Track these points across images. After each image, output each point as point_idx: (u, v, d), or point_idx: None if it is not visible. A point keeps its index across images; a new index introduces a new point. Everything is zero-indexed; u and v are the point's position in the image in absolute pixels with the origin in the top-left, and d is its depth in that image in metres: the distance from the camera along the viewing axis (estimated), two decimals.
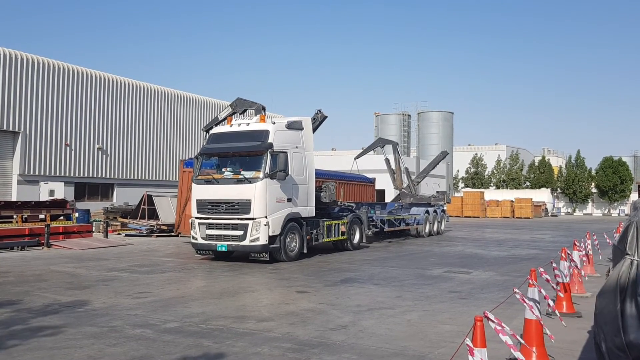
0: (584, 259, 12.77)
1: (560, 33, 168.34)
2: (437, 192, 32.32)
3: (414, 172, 32.54)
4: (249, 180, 14.05)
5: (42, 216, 19.82)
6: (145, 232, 23.68)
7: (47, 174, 30.13)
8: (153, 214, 24.14)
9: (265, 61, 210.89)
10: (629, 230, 4.38)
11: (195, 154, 16.90)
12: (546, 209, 65.46)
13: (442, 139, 66.98)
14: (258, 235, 13.83)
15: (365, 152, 26.43)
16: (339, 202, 18.23)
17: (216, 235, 14.41)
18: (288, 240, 14.73)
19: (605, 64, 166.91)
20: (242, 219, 14.01)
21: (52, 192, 28.50)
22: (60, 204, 21.48)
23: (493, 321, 4.38)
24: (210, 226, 14.51)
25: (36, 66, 29.79)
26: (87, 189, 32.72)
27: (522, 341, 5.15)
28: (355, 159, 25.48)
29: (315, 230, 16.09)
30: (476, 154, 78.13)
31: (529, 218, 55.78)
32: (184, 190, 19.57)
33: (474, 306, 8.87)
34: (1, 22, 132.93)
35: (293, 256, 14.91)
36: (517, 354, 4.23)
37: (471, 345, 3.91)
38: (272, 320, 7.84)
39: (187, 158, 26.15)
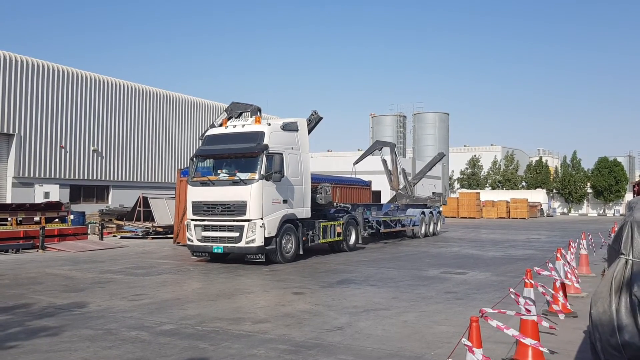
0: (582, 252, 12.82)
1: (555, 34, 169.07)
2: (433, 193, 32.32)
3: (410, 174, 32.52)
4: (244, 182, 14.04)
5: (37, 218, 19.75)
6: (140, 234, 23.63)
7: (42, 176, 30.01)
8: (149, 216, 24.08)
9: (260, 63, 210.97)
10: (624, 230, 4.40)
11: (191, 155, 16.87)
12: (542, 209, 65.66)
13: (438, 140, 67.06)
14: (254, 236, 13.82)
15: (363, 156, 26.34)
16: (335, 204, 18.22)
17: (212, 237, 14.39)
18: (284, 241, 14.72)
19: (600, 65, 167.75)
20: (237, 220, 13.99)
21: (47, 195, 28.40)
22: (55, 206, 21.42)
23: (490, 314, 4.38)
24: (206, 228, 14.48)
25: (31, 68, 29.68)
26: (82, 191, 32.60)
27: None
28: (354, 164, 25.42)
29: (311, 232, 16.09)
30: (474, 155, 78.34)
31: (524, 219, 55.92)
32: (182, 199, 19.48)
33: (470, 307, 8.88)
34: None
35: (289, 257, 14.90)
36: (528, 340, 4.22)
37: (469, 344, 3.91)
38: (268, 321, 7.83)
39: (184, 167, 26.02)
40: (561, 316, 6.89)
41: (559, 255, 9.13)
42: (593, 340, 4.37)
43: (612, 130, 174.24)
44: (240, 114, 18.13)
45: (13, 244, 17.50)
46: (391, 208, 23.76)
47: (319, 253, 17.28)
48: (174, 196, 23.09)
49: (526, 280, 6.39)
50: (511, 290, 6.02)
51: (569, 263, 9.88)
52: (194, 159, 15.54)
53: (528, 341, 4.21)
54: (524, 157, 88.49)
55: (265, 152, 14.15)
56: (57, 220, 20.57)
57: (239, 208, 13.99)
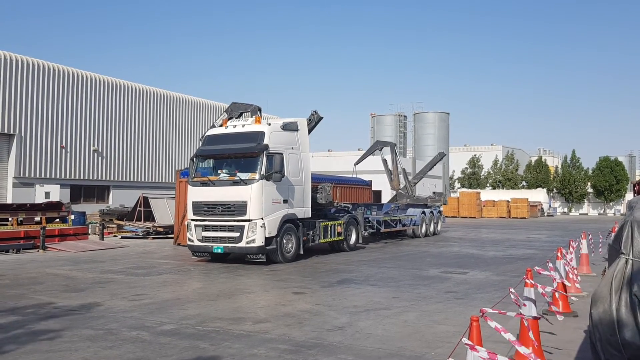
0: (582, 251, 12.82)
1: (555, 34, 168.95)
2: (434, 192, 32.32)
3: (410, 173, 32.53)
4: (244, 182, 14.04)
5: (37, 219, 19.77)
6: (141, 234, 23.63)
7: (43, 176, 30.03)
8: (149, 216, 24.08)
9: (260, 62, 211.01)
10: (624, 230, 4.40)
11: (191, 156, 16.88)
12: (542, 209, 65.66)
13: (438, 140, 67.05)
14: (254, 236, 13.82)
15: (364, 157, 26.31)
16: (335, 203, 18.22)
17: (212, 237, 14.39)
18: (284, 241, 14.73)
19: (600, 65, 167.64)
20: (238, 220, 14.00)
21: (47, 195, 28.41)
22: (55, 206, 21.42)
23: (490, 314, 4.37)
24: (206, 228, 14.48)
25: (32, 68, 29.70)
26: (82, 191, 32.63)
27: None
28: (355, 165, 25.41)
29: (311, 231, 16.09)
30: (474, 155, 78.33)
31: (525, 218, 55.90)
32: (182, 201, 19.48)
33: (470, 306, 8.88)
34: None
35: (289, 257, 14.90)
36: (522, 349, 4.21)
37: (471, 343, 3.90)
38: (268, 321, 7.83)
39: (183, 168, 26.02)
40: (559, 317, 6.88)
41: (559, 254, 9.13)
42: (593, 340, 4.38)
43: (613, 129, 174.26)
44: (241, 114, 18.12)
45: (14, 244, 17.51)
46: (392, 208, 23.76)
47: (319, 253, 17.28)
48: (174, 196, 23.11)
49: (526, 280, 6.39)
50: (511, 290, 6.02)
51: (569, 263, 9.89)
52: (194, 159, 15.54)
53: (522, 350, 4.21)
54: (525, 157, 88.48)
55: (265, 152, 14.15)
56: (57, 220, 20.58)
57: (239, 208, 13.99)
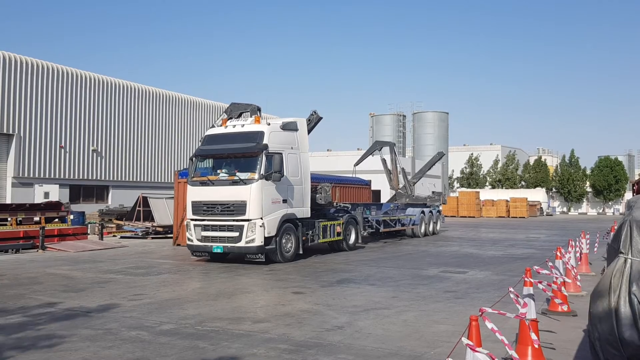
0: (578, 255, 12.83)
1: (554, 34, 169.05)
2: (433, 192, 32.30)
3: (410, 173, 32.51)
4: (244, 182, 14.04)
5: (36, 219, 19.75)
6: (140, 234, 23.62)
7: (42, 176, 30.01)
8: (148, 216, 24.07)
9: (260, 62, 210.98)
10: (623, 229, 4.41)
11: (191, 155, 16.89)
12: (541, 208, 65.74)
13: (438, 139, 67.10)
14: (254, 236, 13.82)
15: (363, 157, 26.25)
16: (335, 203, 18.21)
17: (212, 237, 14.39)
18: (284, 241, 14.73)
19: (599, 64, 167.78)
20: (237, 220, 14.00)
21: (46, 195, 28.41)
22: (55, 206, 21.42)
23: (489, 314, 4.38)
24: (205, 228, 14.48)
25: (31, 68, 29.67)
26: (82, 191, 32.60)
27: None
28: (354, 165, 25.37)
29: (311, 231, 16.09)
30: (472, 154, 78.37)
31: (524, 217, 55.95)
32: (180, 202, 19.47)
33: (470, 306, 8.88)
34: None
35: (289, 257, 14.91)
36: (512, 353, 4.23)
37: (471, 343, 3.91)
38: (268, 321, 7.83)
39: (182, 168, 25.96)
40: (564, 307, 6.85)
41: (558, 254, 9.14)
42: (592, 339, 4.39)
43: (612, 129, 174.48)
44: (240, 114, 18.09)
45: (13, 244, 17.50)
46: (391, 207, 23.74)
47: (318, 252, 17.28)
48: (173, 196, 23.07)
49: (526, 279, 6.40)
50: (511, 289, 6.03)
51: (568, 262, 9.90)
52: (194, 158, 15.53)
53: (513, 353, 4.22)
54: (524, 156, 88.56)
55: (264, 151, 14.14)
56: (56, 220, 20.57)
57: (238, 208, 13.99)
